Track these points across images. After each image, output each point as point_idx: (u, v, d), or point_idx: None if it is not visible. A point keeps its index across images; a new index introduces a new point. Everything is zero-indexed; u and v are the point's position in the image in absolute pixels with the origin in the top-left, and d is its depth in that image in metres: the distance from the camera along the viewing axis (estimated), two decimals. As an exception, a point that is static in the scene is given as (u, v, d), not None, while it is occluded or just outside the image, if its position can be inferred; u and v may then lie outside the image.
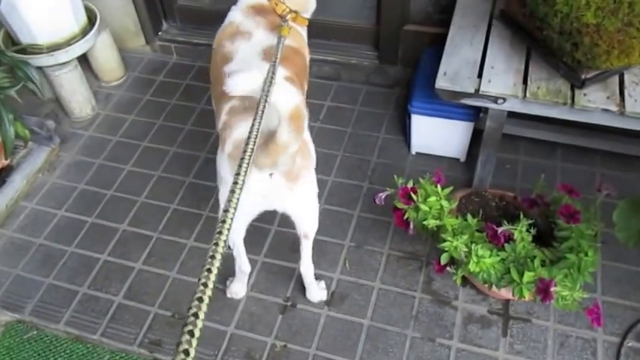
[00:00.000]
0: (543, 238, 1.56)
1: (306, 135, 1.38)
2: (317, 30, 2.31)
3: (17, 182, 2.06)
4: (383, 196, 1.56)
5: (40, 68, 2.15)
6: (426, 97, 1.91)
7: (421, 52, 2.15)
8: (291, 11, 1.58)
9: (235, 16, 1.61)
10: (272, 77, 1.18)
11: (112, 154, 2.21)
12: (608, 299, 1.68)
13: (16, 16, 2.01)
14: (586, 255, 1.42)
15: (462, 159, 2.06)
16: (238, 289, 1.74)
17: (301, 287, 1.75)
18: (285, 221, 1.86)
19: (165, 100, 2.41)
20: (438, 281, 1.76)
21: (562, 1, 1.45)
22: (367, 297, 1.74)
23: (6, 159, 1.88)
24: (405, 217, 1.55)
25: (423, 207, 1.49)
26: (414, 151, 2.10)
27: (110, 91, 2.48)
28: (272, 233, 1.90)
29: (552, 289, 1.30)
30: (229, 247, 1.48)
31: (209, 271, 0.70)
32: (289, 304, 1.73)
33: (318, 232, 1.80)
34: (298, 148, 1.23)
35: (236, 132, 1.31)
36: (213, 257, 0.73)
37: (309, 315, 1.71)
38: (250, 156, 0.98)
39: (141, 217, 1.99)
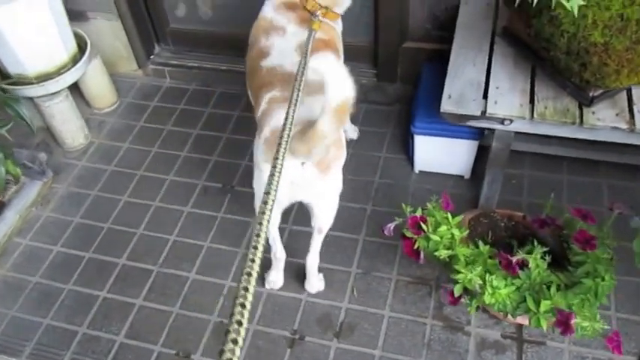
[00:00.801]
0: (556, 258, 1.52)
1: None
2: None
3: (10, 218, 1.99)
4: (392, 227, 1.51)
5: (29, 99, 2.09)
6: (429, 117, 1.87)
7: (420, 68, 2.11)
8: (321, 7, 1.59)
9: (268, 11, 1.63)
10: (303, 69, 1.24)
11: (107, 185, 2.15)
12: (622, 316, 1.65)
13: (4, 46, 1.95)
14: (603, 279, 1.39)
15: (467, 176, 2.02)
16: (276, 278, 1.77)
17: (308, 319, 1.71)
18: (289, 249, 1.83)
19: (160, 125, 2.35)
20: (449, 306, 1.71)
21: (568, 21, 1.42)
22: (377, 326, 1.69)
23: (-3, 198, 1.82)
24: (415, 246, 1.50)
25: (434, 237, 1.45)
26: (417, 169, 2.05)
27: (103, 118, 2.42)
28: (276, 262, 1.85)
29: (573, 321, 1.26)
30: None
31: (249, 274, 0.69)
32: (297, 337, 1.68)
33: (324, 261, 1.77)
34: (334, 140, 1.25)
35: (274, 119, 1.35)
36: (252, 261, 0.72)
37: (318, 348, 1.65)
38: (287, 142, 1.02)
39: (140, 250, 1.93)
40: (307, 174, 1.34)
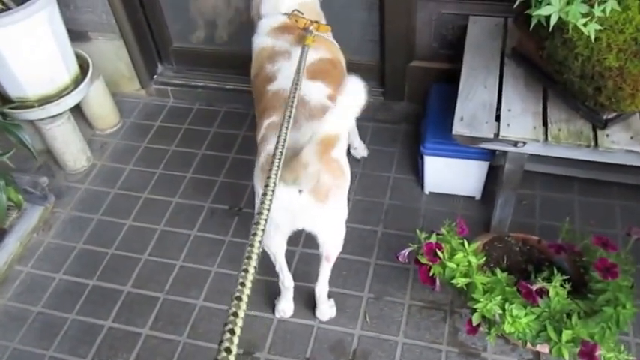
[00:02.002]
0: (573, 284, 1.49)
1: (341, 154, 1.41)
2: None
3: (10, 245, 1.94)
4: (406, 253, 1.48)
5: (30, 121, 2.05)
6: (439, 138, 1.85)
7: (428, 88, 2.09)
8: (312, 22, 1.59)
9: (264, 41, 1.63)
10: (296, 87, 1.28)
11: (110, 209, 2.10)
12: (640, 341, 1.62)
13: (5, 69, 1.92)
14: (624, 307, 1.36)
15: (478, 197, 2.00)
16: (285, 307, 1.74)
17: (321, 347, 1.67)
18: (300, 275, 1.79)
19: (164, 146, 2.32)
20: (464, 332, 1.68)
21: (582, 44, 1.40)
22: (391, 353, 1.65)
23: (-1, 226, 1.77)
24: (431, 273, 1.47)
25: (451, 264, 1.42)
26: (427, 190, 2.03)
27: (105, 140, 2.38)
28: (286, 288, 1.81)
29: (597, 352, 1.23)
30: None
31: (241, 290, 0.69)
32: (309, 365, 1.64)
33: (335, 285, 1.74)
34: (319, 169, 1.24)
35: (269, 146, 1.34)
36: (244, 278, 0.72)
37: (331, 377, 1.62)
38: (278, 165, 1.05)
39: (145, 276, 1.88)
40: (303, 202, 1.32)
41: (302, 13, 1.63)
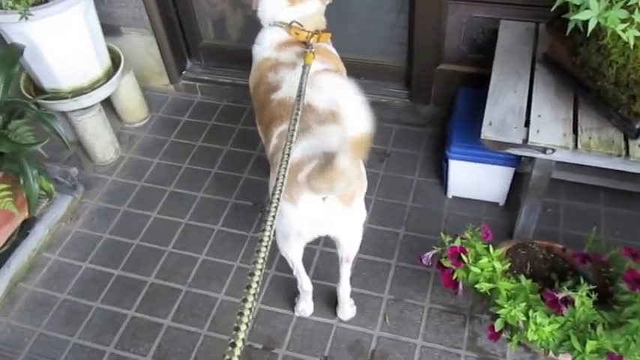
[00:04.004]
0: (598, 295, 1.47)
1: None
2: (345, 68, 2.27)
3: (40, 233, 1.99)
4: (430, 256, 1.48)
5: (62, 113, 2.10)
6: (465, 142, 1.84)
7: (454, 91, 2.08)
8: (313, 34, 1.57)
9: (268, 52, 1.60)
10: (299, 106, 1.24)
11: (136, 201, 2.14)
12: (663, 354, 1.59)
13: (40, 61, 1.97)
14: (651, 320, 1.33)
15: (502, 203, 1.98)
16: (305, 307, 1.75)
17: (339, 346, 1.68)
18: (321, 274, 1.80)
19: (191, 141, 2.35)
20: (483, 337, 1.67)
21: (618, 52, 1.38)
22: (410, 356, 1.65)
23: (30, 215, 1.81)
24: (454, 277, 1.47)
25: (475, 269, 1.41)
26: (450, 194, 2.02)
27: (133, 133, 2.42)
28: (306, 286, 1.82)
29: (624, 364, 1.21)
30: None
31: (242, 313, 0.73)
32: (328, 364, 1.65)
33: (355, 285, 1.74)
34: (356, 174, 1.21)
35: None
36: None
37: (349, 376, 1.62)
38: (286, 164, 1.05)
39: (169, 268, 1.91)
40: (331, 208, 1.30)
41: (301, 25, 1.59)
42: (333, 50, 1.69)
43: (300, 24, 1.60)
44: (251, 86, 1.64)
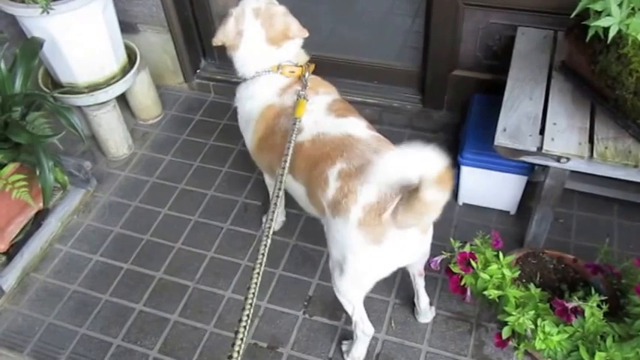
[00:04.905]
0: (609, 306, 1.45)
1: None
2: (358, 72, 2.27)
3: (52, 224, 2.02)
4: (439, 261, 1.47)
5: (78, 107, 2.13)
6: (478, 149, 1.83)
7: (468, 97, 2.07)
8: (306, 67, 1.56)
9: (271, 98, 1.54)
10: (289, 150, 1.32)
11: (148, 197, 2.16)
12: (673, 370, 1.56)
13: (58, 55, 2.00)
14: (663, 334, 1.31)
15: (513, 212, 1.96)
16: (362, 353, 1.62)
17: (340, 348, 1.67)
18: (324, 274, 1.79)
19: (203, 140, 2.37)
20: (489, 345, 1.65)
21: (638, 60, 1.36)
22: (414, 361, 1.64)
23: (44, 206, 1.83)
24: (462, 283, 1.45)
25: (484, 275, 1.40)
26: (461, 201, 2.01)
27: (147, 130, 2.44)
28: (312, 287, 1.82)
29: (633, 378, 1.19)
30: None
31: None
32: (332, 365, 1.65)
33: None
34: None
35: (362, 196, 1.24)
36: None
37: (353, 379, 1.61)
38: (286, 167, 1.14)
39: (177, 264, 1.93)
40: (415, 238, 1.31)
41: (292, 62, 1.55)
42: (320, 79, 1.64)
43: (290, 61, 1.55)
44: (254, 140, 1.58)
